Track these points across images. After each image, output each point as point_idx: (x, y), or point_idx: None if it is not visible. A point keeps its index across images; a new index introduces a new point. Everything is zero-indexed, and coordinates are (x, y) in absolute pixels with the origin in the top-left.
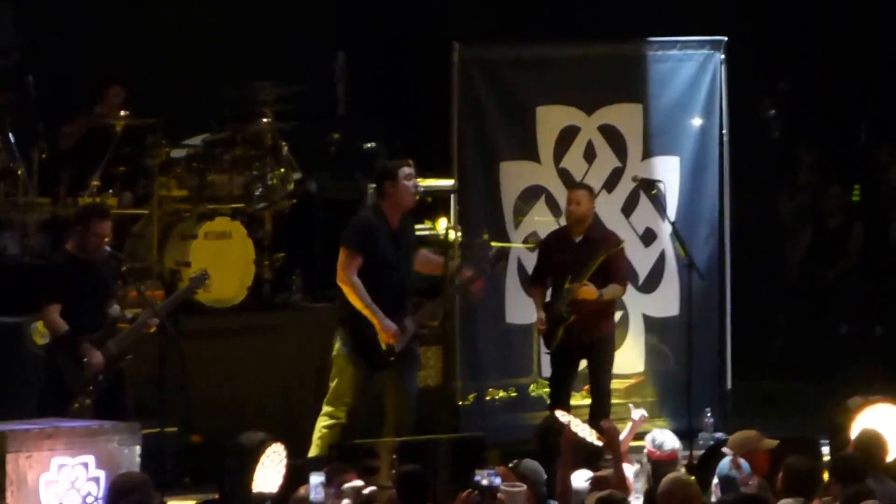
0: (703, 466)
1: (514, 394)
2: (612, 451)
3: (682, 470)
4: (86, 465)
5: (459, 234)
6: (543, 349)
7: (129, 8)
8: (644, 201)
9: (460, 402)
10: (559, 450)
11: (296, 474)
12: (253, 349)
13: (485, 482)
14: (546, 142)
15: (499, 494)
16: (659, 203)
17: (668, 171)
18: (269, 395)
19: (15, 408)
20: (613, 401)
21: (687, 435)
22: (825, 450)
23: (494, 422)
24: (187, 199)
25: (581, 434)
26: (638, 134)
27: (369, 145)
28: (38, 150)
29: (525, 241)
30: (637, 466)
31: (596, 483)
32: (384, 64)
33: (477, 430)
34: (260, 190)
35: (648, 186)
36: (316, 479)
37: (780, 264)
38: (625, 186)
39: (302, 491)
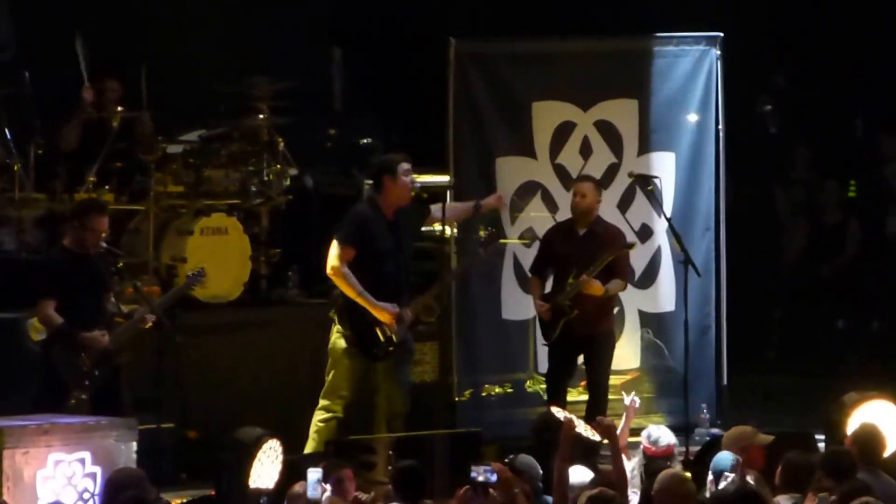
0: (700, 462)
1: (510, 389)
2: (612, 446)
3: (679, 466)
4: (82, 461)
5: (455, 230)
6: (541, 342)
7: (126, 4)
8: (640, 197)
9: (457, 398)
10: (556, 445)
11: (292, 470)
12: (249, 345)
13: (480, 478)
14: (542, 137)
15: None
16: (655, 199)
17: (665, 167)
18: (265, 391)
19: (11, 403)
20: (609, 397)
21: (683, 430)
22: (822, 445)
23: (491, 417)
24: (183, 194)
25: (578, 429)
26: (634, 130)
27: (365, 141)
28: (35, 146)
29: (521, 237)
30: (636, 461)
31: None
32: (380, 59)
33: (473, 425)
34: (256, 186)
35: (644, 182)
36: (313, 475)
37: (777, 260)
38: (621, 182)
39: (296, 487)
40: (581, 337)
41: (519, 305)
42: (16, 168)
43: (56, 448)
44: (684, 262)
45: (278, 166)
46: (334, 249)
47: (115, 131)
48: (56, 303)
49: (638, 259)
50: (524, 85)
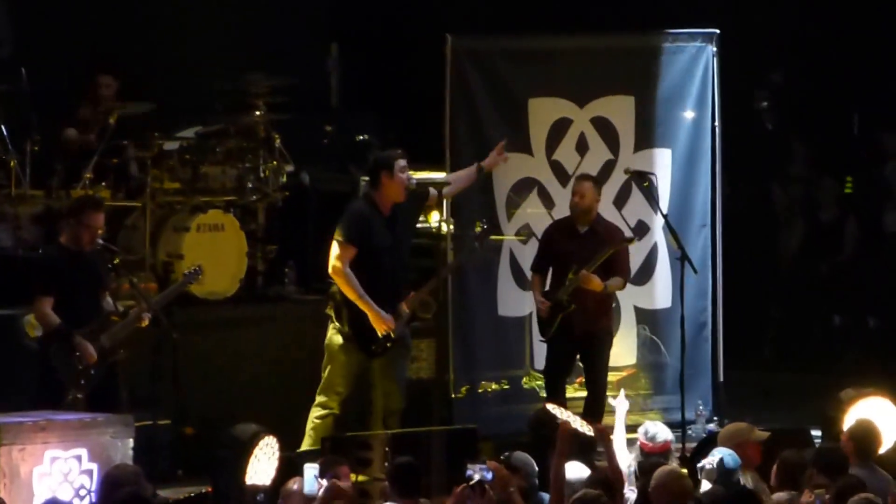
0: (696, 459)
1: (506, 386)
2: (606, 450)
3: (675, 462)
4: (79, 457)
5: (452, 226)
6: (538, 339)
7: (124, 1)
8: (636, 193)
9: (453, 395)
10: (552, 441)
11: (289, 467)
12: (246, 341)
13: (476, 476)
14: (538, 134)
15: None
16: (651, 195)
17: (661, 164)
18: (262, 388)
19: (8, 400)
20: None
21: (679, 427)
22: (819, 442)
23: (487, 414)
24: (180, 191)
25: (573, 425)
26: (630, 126)
27: (362, 137)
28: (32, 143)
29: (518, 234)
30: (633, 457)
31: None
32: (377, 56)
33: (470, 422)
34: (253, 182)
35: (641, 179)
36: (310, 471)
37: (773, 256)
38: (617, 179)
39: (291, 484)
40: (581, 334)
41: (515, 302)
42: (12, 164)
43: (53, 445)
44: (681, 259)
45: (275, 163)
46: (335, 249)
47: (111, 128)
48: (53, 300)
49: (634, 255)
50: (521, 81)
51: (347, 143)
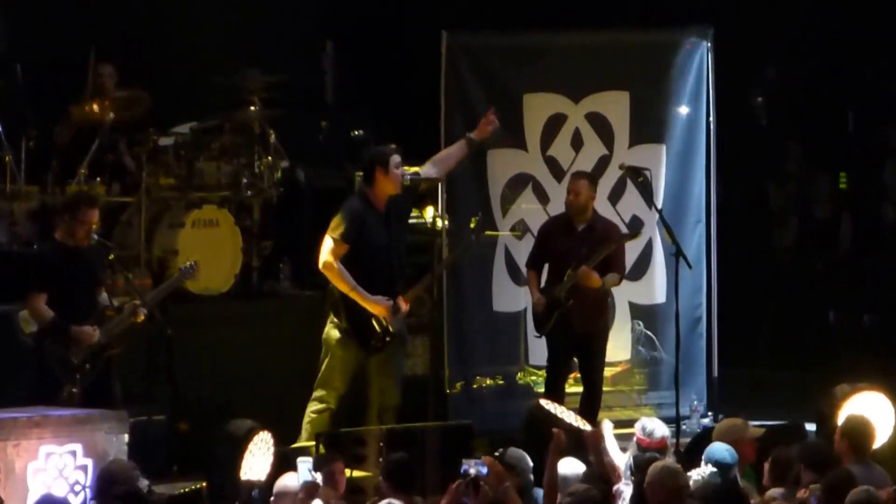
0: (691, 454)
1: (501, 382)
2: (596, 456)
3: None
4: (74, 453)
5: (447, 222)
6: (533, 334)
7: None
8: (631, 189)
9: (448, 391)
10: (547, 437)
11: (283, 462)
12: (241, 337)
13: (471, 471)
14: (533, 130)
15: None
16: (646, 191)
17: (655, 159)
18: (256, 383)
19: (3, 396)
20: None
21: (674, 422)
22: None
23: (482, 410)
24: (175, 187)
25: (568, 420)
26: (625, 122)
27: (357, 133)
28: (27, 139)
29: (512, 230)
30: (630, 453)
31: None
32: (372, 53)
33: (465, 418)
34: (248, 178)
35: (635, 174)
36: (304, 466)
37: (768, 252)
38: (612, 174)
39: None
40: (580, 332)
41: (510, 298)
42: (7, 160)
43: (47, 440)
44: (675, 255)
45: (270, 159)
46: (327, 244)
47: (107, 125)
48: (48, 296)
49: (629, 251)
50: (516, 77)
51: (342, 139)
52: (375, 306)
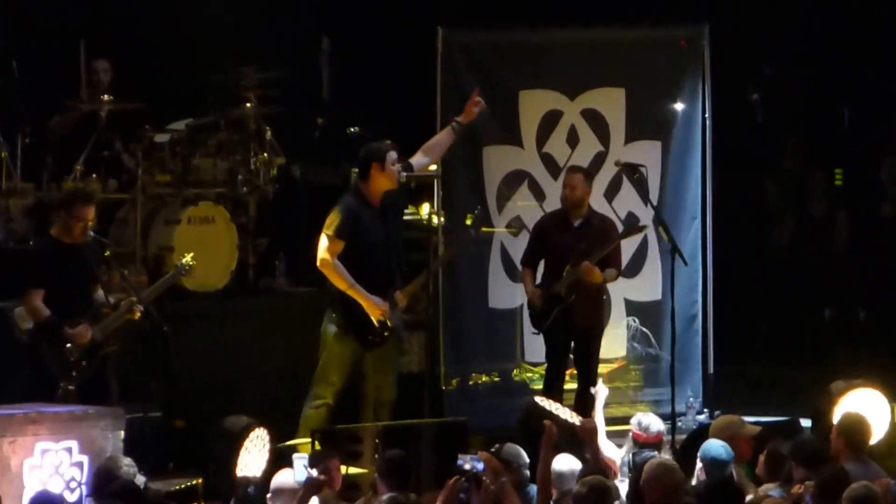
0: (686, 451)
1: (497, 378)
2: (591, 448)
3: (668, 454)
4: (69, 450)
5: (443, 219)
6: (529, 331)
7: None
8: (627, 186)
9: (444, 387)
10: (542, 434)
11: (279, 459)
12: (236, 334)
13: (467, 467)
14: (529, 126)
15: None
16: (642, 188)
17: (651, 156)
18: (252, 380)
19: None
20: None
21: (670, 419)
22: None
23: (478, 406)
24: (171, 183)
25: (562, 416)
26: (621, 118)
27: (353, 130)
28: (23, 135)
29: (508, 226)
30: (625, 448)
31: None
32: (368, 49)
33: (461, 414)
34: (244, 175)
35: (631, 171)
36: (299, 462)
37: (764, 249)
38: (608, 171)
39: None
40: (581, 327)
41: (506, 294)
42: (3, 157)
43: (43, 437)
44: (671, 251)
45: (265, 156)
46: (323, 242)
47: (102, 121)
48: (44, 292)
49: (624, 248)
50: (511, 74)
51: (338, 136)
52: (372, 307)
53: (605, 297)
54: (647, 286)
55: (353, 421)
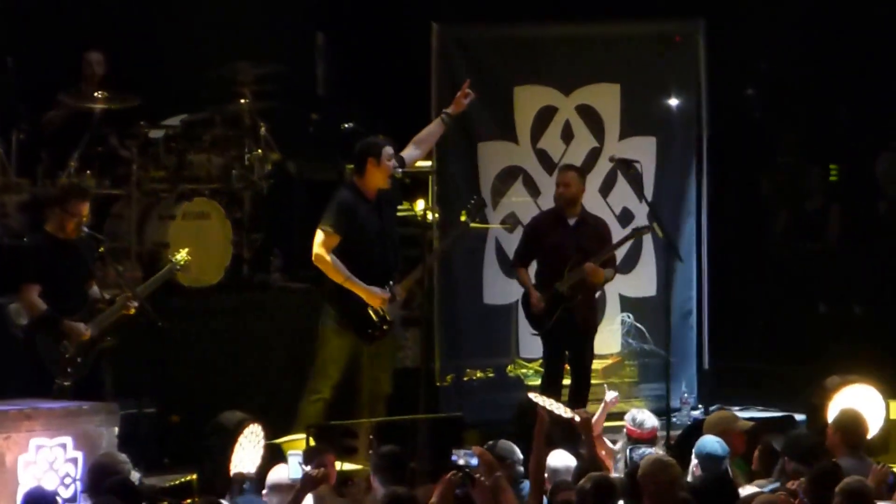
0: (681, 446)
1: (492, 374)
2: (586, 438)
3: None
4: (64, 445)
5: (437, 214)
6: (524, 327)
7: None
8: (621, 181)
9: (439, 383)
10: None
11: (274, 455)
12: (231, 329)
13: (461, 462)
14: (523, 122)
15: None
16: (636, 183)
17: (646, 152)
18: (247, 376)
19: None
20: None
21: (664, 414)
22: None
23: (473, 402)
24: (166, 179)
25: (557, 412)
26: (615, 114)
27: (348, 126)
28: (18, 131)
29: (503, 222)
30: (620, 444)
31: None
32: (364, 44)
33: (455, 410)
34: (238, 170)
35: (626, 167)
36: (294, 459)
37: (759, 244)
38: (602, 167)
39: (278, 473)
40: (584, 326)
41: (501, 290)
42: None
43: (38, 433)
44: (666, 247)
45: (260, 151)
46: (319, 237)
47: (97, 117)
48: (39, 288)
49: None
50: (506, 70)
51: (333, 131)
52: (371, 296)
53: (597, 294)
54: (641, 282)
55: (350, 415)
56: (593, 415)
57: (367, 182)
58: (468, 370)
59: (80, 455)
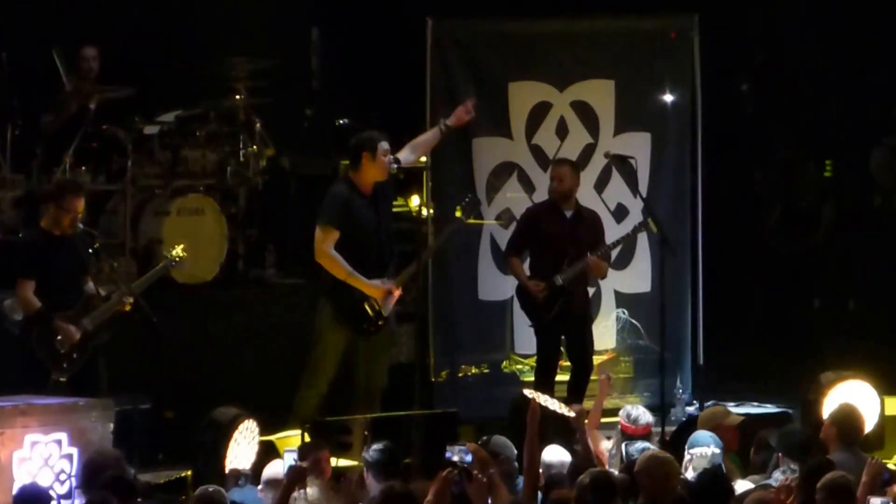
0: (676, 442)
1: (486, 370)
2: (580, 433)
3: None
4: (59, 442)
5: (432, 210)
6: (519, 322)
7: None
8: (616, 177)
9: (433, 379)
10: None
11: (269, 450)
12: (226, 325)
13: (455, 458)
14: (518, 118)
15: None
16: (631, 179)
17: (641, 147)
18: (242, 371)
19: None
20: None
21: (659, 410)
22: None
23: (467, 398)
24: (160, 175)
25: (552, 407)
26: (610, 110)
27: (343, 121)
28: (12, 127)
29: (498, 218)
30: (614, 440)
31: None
32: (358, 40)
33: (450, 406)
34: (233, 166)
35: (621, 162)
36: (289, 456)
37: (754, 239)
38: (597, 162)
39: (271, 468)
40: (580, 315)
41: (496, 286)
42: None
43: (32, 429)
44: (661, 243)
45: (255, 147)
46: (318, 234)
47: (92, 112)
48: (34, 283)
49: (614, 239)
50: (501, 65)
51: (328, 127)
52: (373, 289)
53: (592, 289)
54: (636, 278)
55: (345, 409)
56: (588, 409)
57: (363, 177)
58: (463, 366)
59: (75, 451)
